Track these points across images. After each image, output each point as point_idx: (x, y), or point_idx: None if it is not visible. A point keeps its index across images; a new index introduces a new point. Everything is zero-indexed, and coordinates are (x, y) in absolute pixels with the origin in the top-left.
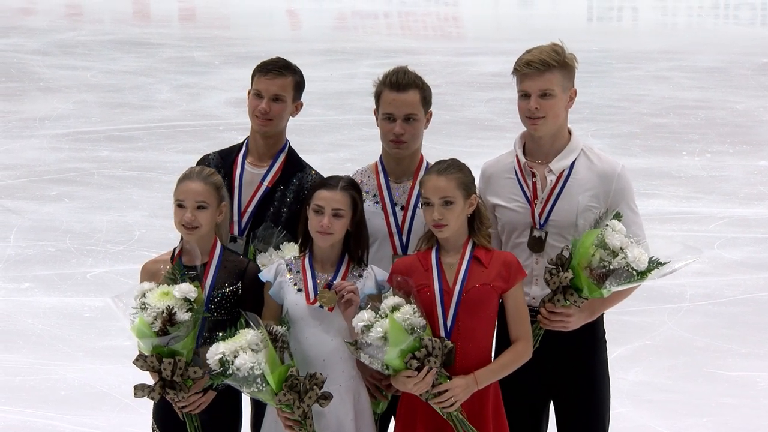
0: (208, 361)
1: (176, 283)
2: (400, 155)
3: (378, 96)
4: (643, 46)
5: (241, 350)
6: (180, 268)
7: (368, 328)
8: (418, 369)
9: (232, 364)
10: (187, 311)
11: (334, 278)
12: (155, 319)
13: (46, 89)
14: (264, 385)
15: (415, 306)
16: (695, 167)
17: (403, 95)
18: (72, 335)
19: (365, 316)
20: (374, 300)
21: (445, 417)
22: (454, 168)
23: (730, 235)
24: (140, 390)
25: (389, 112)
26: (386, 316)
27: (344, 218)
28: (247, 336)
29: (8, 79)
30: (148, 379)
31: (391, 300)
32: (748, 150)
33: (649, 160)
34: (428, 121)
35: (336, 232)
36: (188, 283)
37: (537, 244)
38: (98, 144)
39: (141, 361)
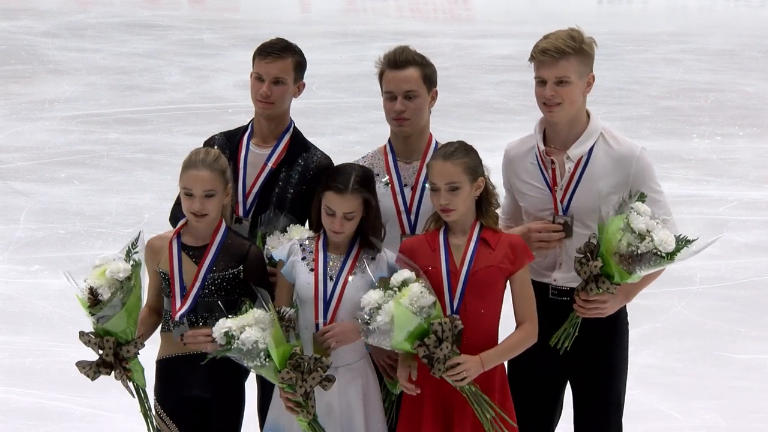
0: (213, 335)
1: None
2: (404, 133)
3: (380, 76)
4: (653, 29)
5: (248, 326)
6: (134, 246)
7: (377, 309)
8: (427, 357)
9: (237, 339)
10: (116, 291)
11: (345, 261)
12: (85, 298)
13: (56, 71)
14: (267, 360)
15: (424, 282)
16: (705, 150)
17: (401, 72)
18: (82, 317)
19: (374, 296)
20: (387, 283)
21: (458, 389)
22: (461, 152)
23: (740, 217)
24: (81, 366)
25: (389, 90)
26: (397, 290)
27: (355, 219)
28: (255, 314)
29: (18, 61)
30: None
31: (401, 274)
32: (758, 133)
33: (659, 142)
34: (433, 99)
35: (347, 231)
36: (127, 261)
37: (566, 230)
38: (108, 126)
39: (83, 337)
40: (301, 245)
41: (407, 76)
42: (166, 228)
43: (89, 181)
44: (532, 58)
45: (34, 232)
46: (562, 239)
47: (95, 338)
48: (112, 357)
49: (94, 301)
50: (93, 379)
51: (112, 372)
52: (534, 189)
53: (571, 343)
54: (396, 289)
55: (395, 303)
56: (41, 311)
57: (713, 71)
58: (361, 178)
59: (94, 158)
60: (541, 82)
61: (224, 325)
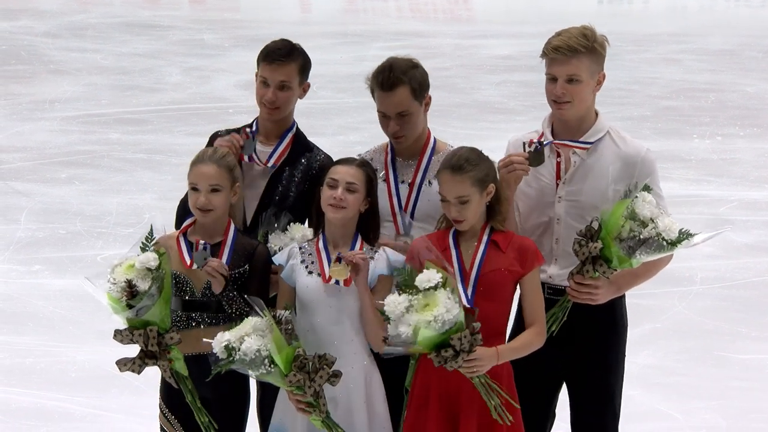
0: (214, 350)
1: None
2: (402, 146)
3: (372, 92)
4: (654, 29)
5: (247, 336)
6: (150, 237)
7: (407, 310)
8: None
9: (239, 351)
10: (151, 280)
11: None
12: (121, 294)
13: (56, 72)
14: (272, 366)
15: (451, 287)
16: (706, 150)
17: (391, 95)
18: (82, 317)
19: (400, 301)
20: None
21: (470, 378)
22: (469, 164)
23: (741, 218)
24: (123, 364)
25: (382, 111)
26: (424, 291)
27: (358, 194)
28: (252, 322)
29: (18, 61)
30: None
31: (429, 278)
32: (758, 133)
33: (660, 143)
34: (427, 105)
35: (349, 206)
36: (152, 251)
37: (537, 157)
38: (108, 126)
39: (118, 336)
40: (300, 248)
41: (397, 98)
42: (166, 228)
43: (90, 182)
44: (544, 54)
45: (34, 232)
46: (530, 167)
47: (137, 331)
48: (156, 346)
49: (131, 293)
50: (139, 373)
51: (156, 363)
52: (537, 180)
53: (558, 327)
54: (422, 291)
55: (422, 325)
56: (41, 311)
57: (713, 71)
58: (366, 162)
59: (94, 158)
60: (552, 79)
61: (222, 338)
